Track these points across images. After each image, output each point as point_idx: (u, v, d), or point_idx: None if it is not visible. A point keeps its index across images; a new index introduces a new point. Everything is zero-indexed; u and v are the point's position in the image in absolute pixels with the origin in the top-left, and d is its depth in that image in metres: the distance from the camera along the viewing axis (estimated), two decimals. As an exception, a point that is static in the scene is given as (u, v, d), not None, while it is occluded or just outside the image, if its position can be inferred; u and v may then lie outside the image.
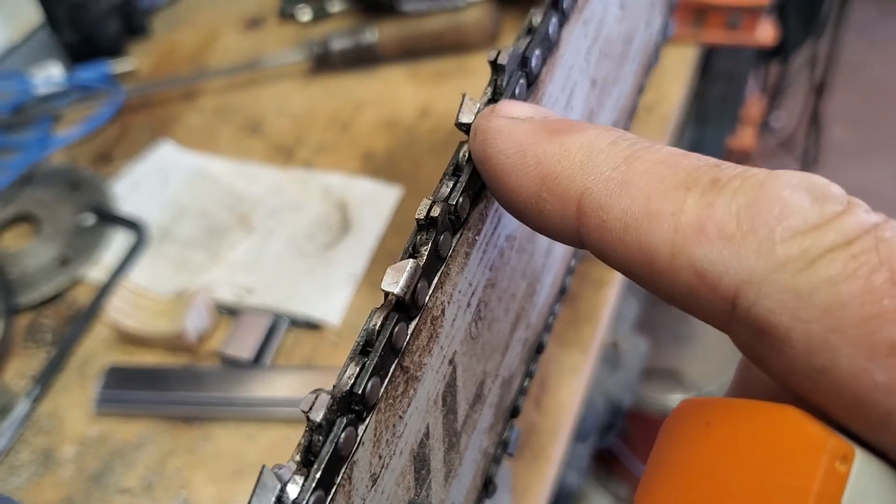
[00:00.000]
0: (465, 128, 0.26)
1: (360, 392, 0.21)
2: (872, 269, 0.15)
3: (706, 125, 0.95)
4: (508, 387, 0.34)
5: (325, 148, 0.77)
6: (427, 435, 0.26)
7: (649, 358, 1.07)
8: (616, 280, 0.64)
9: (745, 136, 0.99)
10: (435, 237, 0.24)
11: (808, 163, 1.48)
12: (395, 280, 0.22)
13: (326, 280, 0.65)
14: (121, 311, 0.63)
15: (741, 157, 0.99)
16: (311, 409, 0.21)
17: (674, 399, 1.20)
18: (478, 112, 0.25)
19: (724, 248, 0.17)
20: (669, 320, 1.25)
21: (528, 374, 0.36)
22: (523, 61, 0.27)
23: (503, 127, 0.23)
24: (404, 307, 0.23)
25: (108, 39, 0.86)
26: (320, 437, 0.21)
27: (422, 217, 0.24)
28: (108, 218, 0.72)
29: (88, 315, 0.65)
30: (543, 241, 0.33)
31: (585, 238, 0.20)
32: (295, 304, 0.64)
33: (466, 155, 0.25)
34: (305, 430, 0.21)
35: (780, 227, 0.16)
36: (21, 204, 0.74)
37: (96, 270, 0.69)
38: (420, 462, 0.26)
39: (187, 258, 0.69)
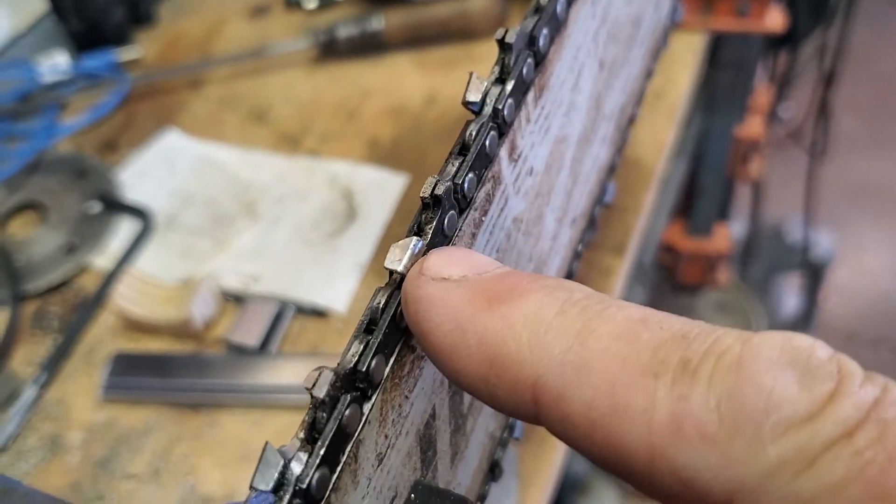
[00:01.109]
0: (473, 106, 0.26)
1: (364, 370, 0.21)
2: (881, 468, 0.13)
3: (714, 114, 0.95)
4: (514, 370, 0.33)
5: (331, 136, 0.77)
6: (433, 416, 0.26)
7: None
8: (623, 269, 0.63)
9: (754, 125, 0.98)
10: (440, 216, 0.23)
11: (817, 154, 1.47)
12: (399, 258, 0.22)
13: (332, 268, 0.65)
14: (127, 298, 0.63)
15: (749, 146, 0.99)
16: (314, 385, 0.21)
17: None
18: (411, 259, 0.22)
19: (708, 453, 0.15)
20: (676, 311, 1.24)
21: (535, 359, 0.36)
22: (531, 40, 0.27)
23: (435, 296, 0.20)
24: (410, 286, 0.23)
25: (114, 27, 0.86)
26: (324, 415, 0.20)
27: (426, 195, 0.23)
28: (115, 206, 0.72)
29: (95, 302, 0.65)
30: (550, 225, 0.33)
31: (547, 426, 0.18)
32: (301, 292, 0.64)
33: (474, 134, 0.25)
34: (309, 407, 0.21)
35: (768, 422, 0.14)
36: (28, 192, 0.74)
37: (103, 258, 0.69)
38: (426, 443, 0.26)
39: (193, 246, 0.69)
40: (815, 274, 1.68)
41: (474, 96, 0.25)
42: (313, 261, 0.66)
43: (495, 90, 0.26)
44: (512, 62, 0.26)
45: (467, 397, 0.29)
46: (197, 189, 0.73)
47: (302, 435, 0.20)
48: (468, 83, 0.25)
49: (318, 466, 0.20)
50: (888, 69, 2.30)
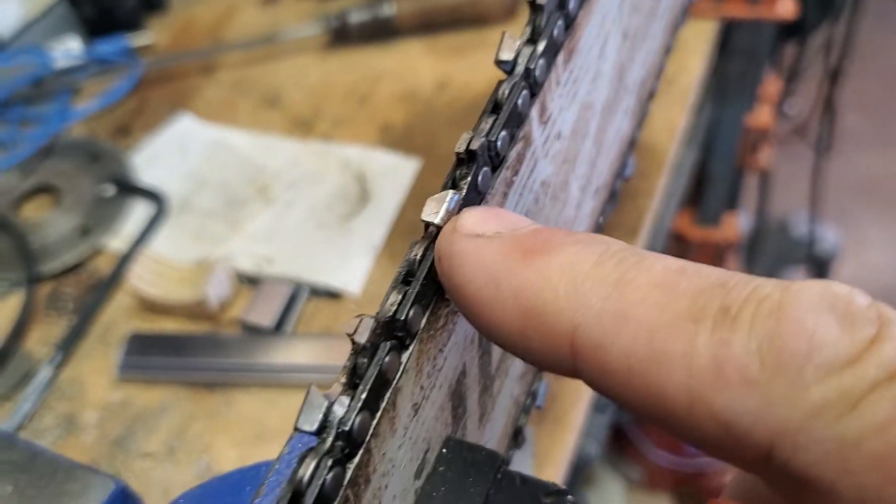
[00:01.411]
0: (505, 65, 0.26)
1: (402, 319, 0.21)
2: None
3: (725, 102, 0.95)
4: (539, 337, 0.34)
5: (343, 120, 0.77)
6: (464, 373, 0.26)
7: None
8: (636, 251, 0.64)
9: (763, 115, 0.99)
10: (475, 171, 0.24)
11: (822, 150, 1.47)
12: (436, 210, 0.22)
13: (346, 250, 0.66)
14: (142, 278, 0.63)
15: (759, 136, 0.99)
16: (355, 332, 0.21)
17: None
18: (446, 215, 0.22)
19: (749, 395, 0.15)
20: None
21: (557, 328, 0.36)
22: (561, 2, 0.27)
23: (469, 251, 0.20)
24: (446, 239, 0.23)
25: (127, 13, 0.87)
26: (365, 360, 0.21)
27: (461, 150, 0.24)
28: (128, 189, 0.72)
29: (109, 283, 0.66)
30: (574, 192, 0.33)
31: (585, 377, 0.18)
32: (315, 274, 0.64)
33: (507, 92, 0.25)
34: (350, 354, 0.21)
35: (810, 365, 0.14)
36: (42, 175, 0.74)
37: (117, 240, 0.69)
38: (457, 399, 0.26)
39: (207, 228, 0.69)
40: (820, 268, 1.68)
41: (507, 55, 0.25)
42: (327, 243, 0.66)
43: (527, 50, 0.26)
44: (543, 23, 0.26)
45: (495, 358, 0.29)
46: (210, 173, 0.74)
47: (343, 380, 0.21)
48: (500, 42, 0.26)
49: (360, 411, 0.20)
50: (894, 65, 2.30)
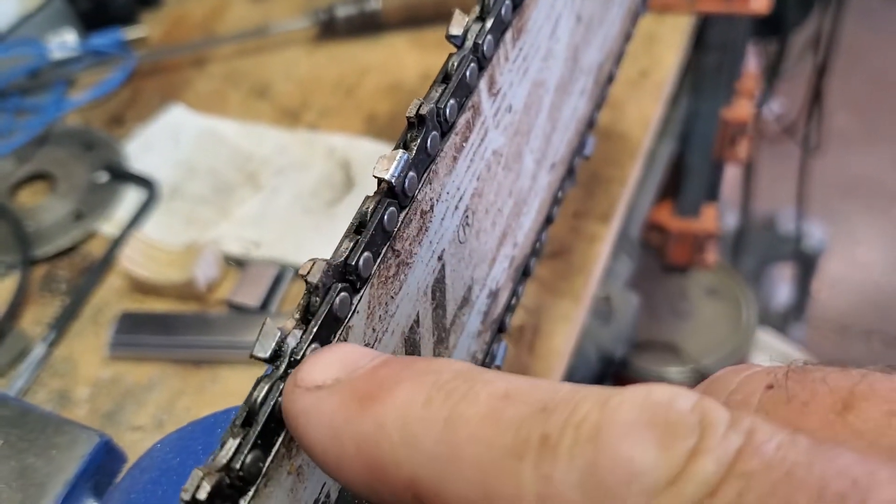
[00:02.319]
0: (455, 39, 0.28)
1: (353, 264, 0.24)
2: None
3: (701, 95, 0.97)
4: (496, 300, 0.36)
5: (329, 111, 0.79)
6: (417, 322, 0.29)
7: (646, 331, 1.10)
8: (609, 236, 0.66)
9: (741, 108, 1.01)
10: (424, 134, 0.26)
11: (810, 147, 1.50)
12: (386, 168, 0.25)
13: (331, 235, 0.68)
14: (133, 260, 0.65)
15: (737, 129, 1.02)
16: (308, 272, 0.23)
17: (670, 372, 1.22)
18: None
19: None
20: (667, 294, 1.27)
21: (515, 294, 0.38)
22: (510, -16, 0.30)
23: (309, 408, 0.19)
24: (395, 195, 0.25)
25: (121, 8, 0.89)
26: (317, 299, 0.23)
27: (412, 115, 0.26)
28: (121, 175, 0.74)
29: (102, 266, 0.68)
30: (529, 164, 0.36)
31: None
32: (300, 257, 0.66)
33: (456, 64, 0.28)
34: (304, 293, 0.23)
35: (630, 494, 0.14)
36: (37, 162, 0.77)
37: (109, 225, 0.71)
38: (411, 347, 0.28)
39: (197, 213, 0.71)
40: (806, 264, 1.71)
41: (457, 30, 0.28)
42: (312, 228, 0.69)
43: (476, 26, 0.28)
44: (491, 3, 0.29)
45: (450, 313, 0.31)
46: (201, 160, 0.76)
47: (297, 316, 0.23)
48: (451, 18, 0.28)
49: (311, 342, 0.22)
50: (881, 65, 2.32)
